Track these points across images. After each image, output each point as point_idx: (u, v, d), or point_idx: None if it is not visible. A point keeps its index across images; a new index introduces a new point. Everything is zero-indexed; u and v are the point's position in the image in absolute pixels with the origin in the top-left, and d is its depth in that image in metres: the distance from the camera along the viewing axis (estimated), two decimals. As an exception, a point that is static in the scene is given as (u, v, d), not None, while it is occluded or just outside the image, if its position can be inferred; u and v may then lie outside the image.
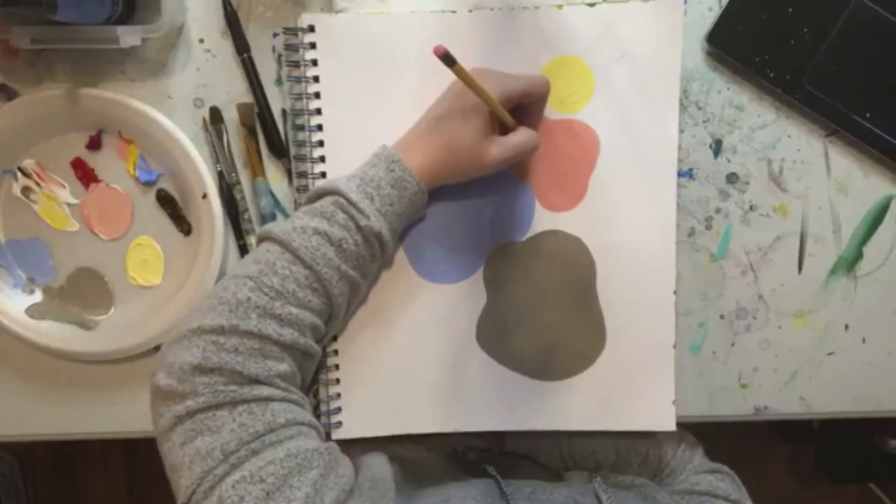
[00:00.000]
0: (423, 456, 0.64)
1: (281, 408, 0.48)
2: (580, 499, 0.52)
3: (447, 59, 0.47)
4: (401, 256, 0.61)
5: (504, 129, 0.57)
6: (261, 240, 0.53)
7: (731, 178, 0.62)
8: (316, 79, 0.59)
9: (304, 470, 0.45)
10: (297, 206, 0.61)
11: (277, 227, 0.52)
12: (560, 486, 0.56)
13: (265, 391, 0.48)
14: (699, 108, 0.61)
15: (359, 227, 0.52)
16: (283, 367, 0.50)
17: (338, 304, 0.53)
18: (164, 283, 0.63)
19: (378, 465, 0.53)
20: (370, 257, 0.54)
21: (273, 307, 0.49)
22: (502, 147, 0.55)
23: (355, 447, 0.66)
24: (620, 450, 0.66)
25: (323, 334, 0.55)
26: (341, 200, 0.52)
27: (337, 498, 0.45)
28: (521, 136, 0.56)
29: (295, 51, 0.59)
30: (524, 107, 0.56)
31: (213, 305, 0.49)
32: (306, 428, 0.49)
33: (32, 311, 0.63)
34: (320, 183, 0.54)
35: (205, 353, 0.47)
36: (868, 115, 0.60)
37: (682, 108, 0.61)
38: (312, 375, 0.58)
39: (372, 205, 0.53)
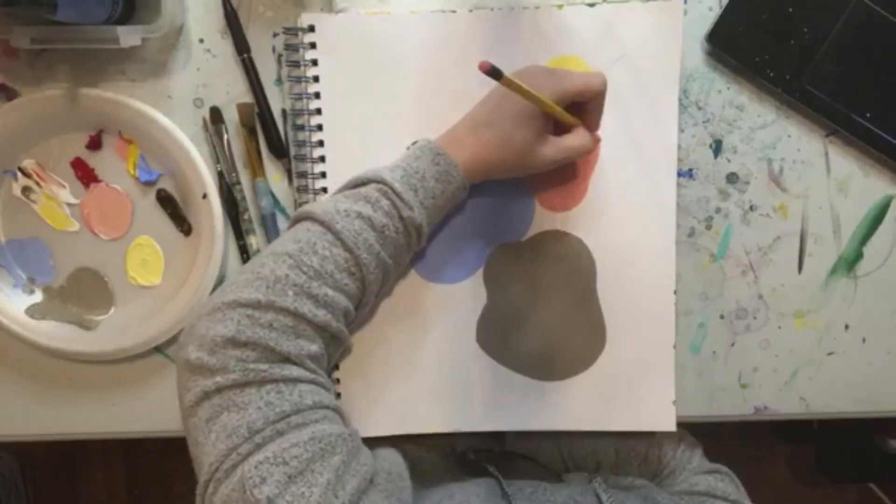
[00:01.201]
0: (423, 455, 0.64)
1: (308, 389, 0.48)
2: (580, 499, 0.52)
3: (494, 74, 0.46)
4: (401, 256, 0.61)
5: (559, 126, 0.56)
6: (297, 219, 0.53)
7: (731, 178, 0.62)
8: (316, 79, 0.59)
9: (328, 455, 0.45)
10: (297, 205, 0.61)
11: (319, 207, 0.52)
12: (560, 486, 0.56)
13: (294, 371, 0.48)
14: (699, 108, 0.61)
15: (401, 217, 0.52)
16: (314, 347, 0.50)
17: (371, 290, 0.53)
18: (164, 283, 0.63)
19: (393, 459, 0.53)
20: (407, 247, 0.54)
21: (311, 287, 0.49)
22: (556, 148, 0.54)
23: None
24: (620, 450, 0.66)
25: (352, 320, 0.55)
26: (386, 189, 0.52)
27: (358, 487, 0.45)
28: (575, 139, 0.55)
29: (295, 51, 0.59)
30: (582, 104, 0.55)
31: (249, 280, 0.49)
32: (331, 412, 0.49)
33: (32, 311, 0.63)
34: (362, 171, 0.54)
35: (239, 326, 0.47)
36: (868, 115, 0.60)
37: (682, 108, 0.61)
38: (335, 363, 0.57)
39: (416, 196, 0.52)
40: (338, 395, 0.61)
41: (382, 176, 0.52)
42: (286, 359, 0.48)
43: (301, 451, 0.44)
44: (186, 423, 0.48)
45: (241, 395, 0.46)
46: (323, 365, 0.52)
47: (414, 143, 0.56)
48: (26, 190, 0.62)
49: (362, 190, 0.52)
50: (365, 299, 0.54)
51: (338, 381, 0.61)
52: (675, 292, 0.61)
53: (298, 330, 0.49)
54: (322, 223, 0.51)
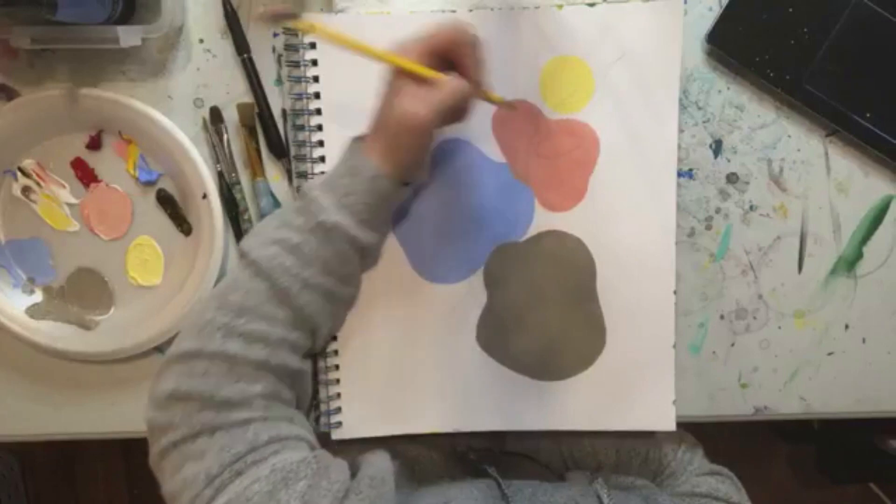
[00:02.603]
0: (423, 454, 0.64)
1: (263, 427, 0.47)
2: (581, 500, 0.52)
3: (284, 18, 0.45)
4: (401, 256, 0.61)
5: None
6: None
7: (731, 178, 0.62)
8: (316, 79, 0.59)
9: (291, 482, 0.44)
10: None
11: (248, 238, 0.51)
12: (561, 487, 0.56)
13: (243, 414, 0.47)
14: (699, 108, 0.61)
15: (317, 224, 0.50)
16: (258, 387, 0.48)
17: (307, 315, 0.51)
18: (164, 283, 0.63)
19: (379, 463, 0.53)
20: (340, 258, 0.52)
21: (236, 325, 0.48)
22: (426, 102, 0.49)
23: (355, 447, 0.66)
24: (621, 450, 0.66)
25: (308, 347, 0.53)
26: (298, 203, 0.51)
27: None
28: (445, 87, 0.49)
29: (295, 51, 0.59)
30: (457, 59, 0.51)
31: (186, 329, 0.49)
32: (293, 441, 0.48)
33: (32, 311, 0.63)
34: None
35: (178, 381, 0.47)
36: (868, 115, 0.60)
37: (682, 108, 0.61)
38: (312, 387, 0.56)
39: (332, 196, 0.50)
40: (338, 395, 0.61)
41: (303, 188, 0.51)
42: (230, 404, 0.47)
43: (262, 485, 0.44)
44: (159, 480, 0.48)
45: (195, 445, 0.46)
46: (282, 398, 0.51)
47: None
48: (26, 190, 0.62)
49: (284, 210, 0.51)
50: (311, 323, 0.52)
51: (338, 381, 0.61)
52: (674, 292, 0.61)
53: (237, 372, 0.47)
54: (241, 254, 0.50)
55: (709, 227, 0.63)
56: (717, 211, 0.62)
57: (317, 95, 0.60)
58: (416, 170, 0.55)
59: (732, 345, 0.64)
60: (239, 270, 0.50)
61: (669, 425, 0.62)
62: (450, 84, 0.50)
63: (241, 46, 0.60)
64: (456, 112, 0.52)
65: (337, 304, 0.55)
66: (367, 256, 0.56)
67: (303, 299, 0.50)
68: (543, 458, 0.66)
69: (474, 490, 0.52)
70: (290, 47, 0.60)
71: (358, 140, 0.53)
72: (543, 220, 0.61)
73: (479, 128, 0.60)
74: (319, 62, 0.59)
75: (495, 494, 0.52)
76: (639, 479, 0.64)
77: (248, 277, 0.49)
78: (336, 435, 0.62)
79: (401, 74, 0.50)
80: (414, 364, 0.61)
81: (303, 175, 0.60)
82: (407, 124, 0.49)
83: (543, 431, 0.62)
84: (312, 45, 0.59)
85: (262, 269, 0.49)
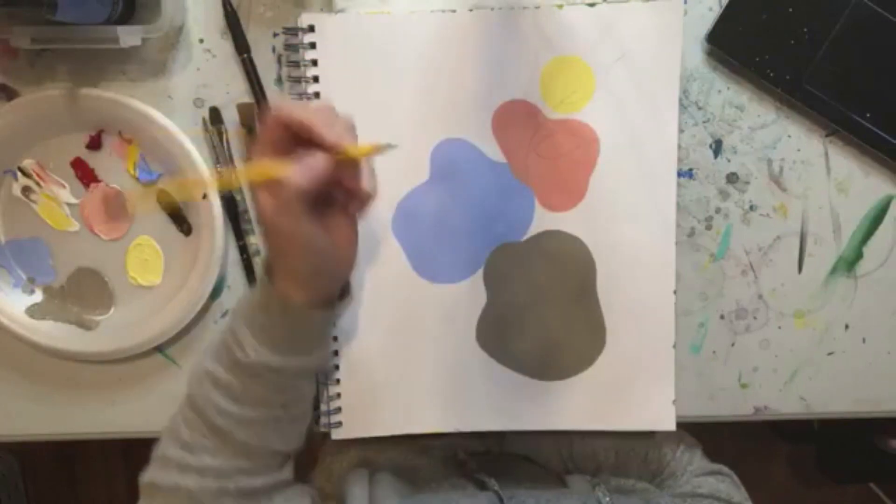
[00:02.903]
0: (421, 462, 0.64)
1: None
2: None
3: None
4: (401, 256, 0.61)
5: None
6: None
7: (731, 178, 0.62)
8: (316, 79, 0.59)
9: None
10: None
11: (196, 363, 0.50)
12: (563, 495, 0.56)
13: None
14: (699, 108, 0.61)
15: (236, 362, 0.47)
16: None
17: (254, 446, 0.48)
18: (164, 283, 0.63)
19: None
20: (273, 388, 0.48)
21: (188, 461, 0.47)
22: (281, 203, 0.43)
23: (355, 447, 0.66)
24: (620, 451, 0.66)
25: (270, 464, 0.50)
26: (227, 335, 0.48)
27: None
28: (291, 179, 0.42)
29: (295, 51, 0.59)
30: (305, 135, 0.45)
31: (153, 458, 0.49)
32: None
33: (32, 311, 0.63)
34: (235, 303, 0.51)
35: None
36: (868, 115, 0.60)
37: (682, 108, 0.61)
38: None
39: (249, 330, 0.47)
40: (338, 395, 0.61)
41: (233, 315, 0.49)
42: None
43: None
44: None
45: None
46: (263, 493, 0.49)
47: None
48: (26, 190, 0.62)
49: (219, 336, 0.49)
50: (268, 446, 0.49)
51: (338, 381, 0.61)
52: (674, 292, 0.61)
53: (196, 499, 0.47)
54: (188, 389, 0.49)
55: (709, 227, 0.63)
56: (717, 211, 0.62)
57: (317, 95, 0.60)
58: (331, 288, 0.50)
59: (732, 345, 0.64)
60: (184, 403, 0.49)
61: (669, 425, 0.62)
62: (293, 172, 0.42)
63: (241, 46, 0.60)
64: (347, 196, 0.47)
65: (289, 424, 0.51)
66: (314, 371, 0.53)
67: (242, 435, 0.47)
68: (542, 459, 0.67)
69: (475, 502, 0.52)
70: (290, 47, 0.60)
71: (267, 264, 0.49)
72: (543, 220, 0.61)
73: (479, 128, 0.60)
74: (319, 62, 0.59)
75: None
76: (639, 482, 0.64)
77: (189, 411, 0.48)
78: (336, 435, 0.62)
79: (254, 187, 0.45)
80: (414, 364, 0.61)
81: (303, 175, 0.60)
82: (279, 237, 0.45)
83: (543, 432, 0.62)
84: (312, 45, 0.59)
85: (198, 406, 0.47)
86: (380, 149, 0.47)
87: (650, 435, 0.66)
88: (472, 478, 0.60)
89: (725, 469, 0.64)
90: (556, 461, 0.67)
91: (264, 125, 0.44)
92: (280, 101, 0.46)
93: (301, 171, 0.42)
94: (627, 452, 0.66)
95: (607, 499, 0.53)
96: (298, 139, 0.44)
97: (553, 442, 0.67)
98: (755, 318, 0.64)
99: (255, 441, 0.48)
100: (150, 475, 0.48)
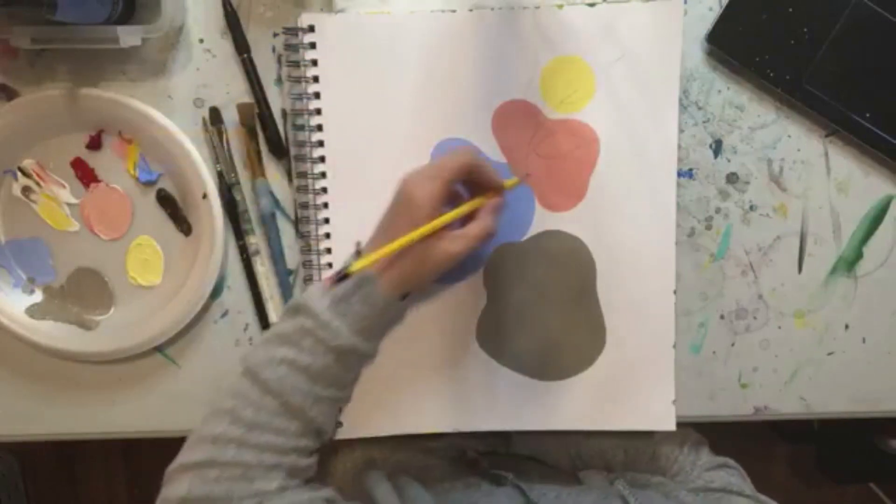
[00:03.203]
0: (431, 462, 0.64)
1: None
2: (606, 503, 0.52)
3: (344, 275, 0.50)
4: (401, 256, 0.61)
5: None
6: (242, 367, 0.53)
7: (731, 178, 0.62)
8: (316, 79, 0.59)
9: None
10: (296, 205, 0.61)
11: (252, 355, 0.52)
12: (583, 490, 0.57)
13: None
14: (699, 108, 0.61)
15: (329, 349, 0.51)
16: (273, 484, 0.50)
17: (318, 424, 0.53)
18: (164, 283, 0.63)
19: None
20: (346, 369, 0.54)
21: (249, 438, 0.50)
22: (457, 242, 0.53)
23: (356, 447, 0.66)
24: (628, 449, 0.66)
25: (314, 449, 0.54)
26: (308, 324, 0.51)
27: None
28: (472, 230, 0.54)
29: (295, 51, 0.59)
30: (476, 180, 0.55)
31: (194, 442, 0.50)
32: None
33: (32, 311, 0.63)
34: (294, 299, 0.54)
35: (190, 486, 0.48)
36: (868, 115, 0.60)
37: (682, 108, 0.61)
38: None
39: (344, 322, 0.51)
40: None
41: (310, 305, 0.51)
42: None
43: None
44: None
45: None
46: (299, 477, 0.53)
47: (357, 248, 0.56)
48: (26, 190, 0.62)
49: (288, 327, 0.52)
50: (320, 427, 0.53)
51: (338, 381, 0.61)
52: (674, 292, 0.61)
53: (250, 476, 0.49)
54: (250, 374, 0.51)
55: (709, 227, 0.63)
56: (717, 211, 0.62)
57: (317, 95, 0.60)
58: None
59: (732, 345, 0.64)
60: (246, 387, 0.51)
61: (669, 425, 0.62)
62: (481, 223, 0.54)
63: (241, 46, 0.60)
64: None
65: (343, 405, 0.59)
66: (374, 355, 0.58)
67: (314, 412, 0.52)
68: (551, 460, 0.67)
69: (503, 497, 0.53)
70: (290, 47, 0.60)
71: (357, 252, 0.55)
72: (543, 220, 0.61)
73: (479, 128, 0.60)
74: (319, 62, 0.59)
75: (521, 501, 0.53)
76: (654, 476, 0.64)
77: (257, 395, 0.51)
78: (336, 435, 0.62)
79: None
80: (414, 364, 0.61)
81: (303, 175, 0.60)
82: (444, 262, 0.53)
83: (549, 432, 0.62)
84: (312, 45, 0.59)
85: (272, 389, 0.51)
86: (519, 182, 0.60)
87: (652, 434, 0.67)
88: (486, 476, 0.60)
89: (731, 462, 0.65)
90: (565, 460, 0.67)
91: (454, 169, 0.52)
92: (464, 148, 0.55)
93: (483, 230, 0.54)
94: (635, 451, 0.66)
95: (628, 491, 0.54)
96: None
97: (559, 442, 0.67)
98: (755, 318, 0.64)
99: (319, 420, 0.52)
100: (199, 454, 0.49)
